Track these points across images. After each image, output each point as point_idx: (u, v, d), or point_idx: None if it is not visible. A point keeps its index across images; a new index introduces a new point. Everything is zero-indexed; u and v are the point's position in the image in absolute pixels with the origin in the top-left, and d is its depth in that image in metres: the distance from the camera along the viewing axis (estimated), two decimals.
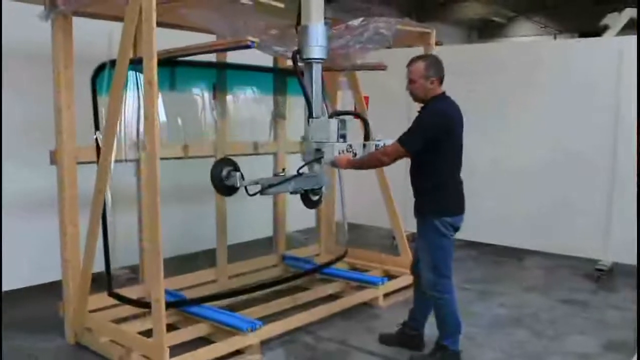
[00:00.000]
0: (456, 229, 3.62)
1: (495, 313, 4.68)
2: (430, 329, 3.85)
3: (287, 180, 3.99)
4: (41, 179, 4.15)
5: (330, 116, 3.93)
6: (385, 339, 4.04)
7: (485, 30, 23.48)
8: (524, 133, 6.09)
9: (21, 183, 4.60)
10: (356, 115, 4.36)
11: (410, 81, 3.58)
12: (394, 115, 5.25)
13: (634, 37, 5.24)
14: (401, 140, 3.49)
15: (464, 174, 3.67)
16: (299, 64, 3.85)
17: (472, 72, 6.09)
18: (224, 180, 4.09)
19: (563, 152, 5.84)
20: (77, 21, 3.77)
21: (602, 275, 5.50)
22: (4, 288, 4.47)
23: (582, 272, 5.76)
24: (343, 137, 3.78)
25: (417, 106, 3.68)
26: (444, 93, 3.59)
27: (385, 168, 5.10)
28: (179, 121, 4.61)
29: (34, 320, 4.31)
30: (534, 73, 6.00)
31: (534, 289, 5.31)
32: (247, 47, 3.42)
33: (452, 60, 3.60)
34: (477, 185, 5.81)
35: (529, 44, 12.48)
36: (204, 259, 5.29)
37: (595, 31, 7.63)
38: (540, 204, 5.98)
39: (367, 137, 4.11)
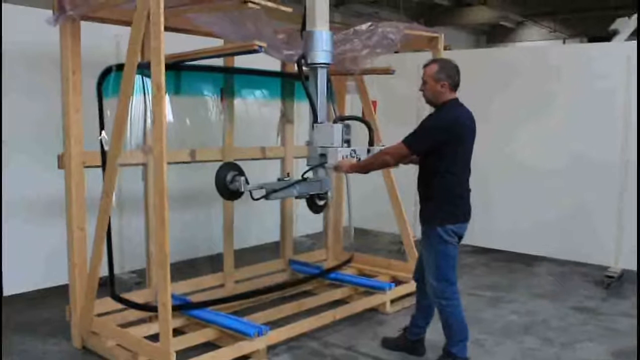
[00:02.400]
0: (459, 237, 3.58)
1: (505, 320, 4.64)
2: (435, 335, 3.82)
3: (292, 185, 3.99)
4: (54, 182, 4.13)
5: (335, 121, 3.93)
6: (386, 344, 4.04)
7: (494, 34, 23.43)
8: (535, 139, 6.04)
9: (35, 186, 4.60)
10: (361, 120, 4.37)
11: (423, 82, 3.58)
12: (402, 120, 5.23)
13: None
14: (406, 140, 3.48)
15: (474, 180, 3.63)
16: (304, 68, 3.85)
17: (481, 77, 6.06)
18: (228, 184, 4.10)
19: (574, 158, 5.79)
20: (84, 26, 3.78)
21: (612, 282, 5.44)
22: (13, 291, 4.48)
23: (592, 278, 5.70)
24: (347, 142, 3.78)
25: (429, 110, 3.68)
26: (456, 99, 3.55)
27: (394, 174, 5.10)
28: (186, 125, 4.61)
29: (41, 324, 4.32)
30: (543, 78, 5.96)
31: (544, 295, 5.26)
32: (255, 51, 3.42)
33: (460, 64, 3.59)
34: (488, 191, 5.81)
35: (538, 48, 12.43)
36: (211, 263, 5.28)
37: (604, 35, 7.57)
38: (551, 211, 5.93)
39: (371, 142, 4.10)
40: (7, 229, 4.46)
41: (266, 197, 3.99)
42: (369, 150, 3.91)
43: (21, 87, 4.48)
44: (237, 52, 3.92)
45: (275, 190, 3.99)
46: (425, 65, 3.60)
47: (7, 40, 4.31)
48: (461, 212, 3.58)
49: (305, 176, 3.97)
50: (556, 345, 4.16)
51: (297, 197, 4.27)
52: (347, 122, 3.92)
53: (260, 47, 3.38)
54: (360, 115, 5.32)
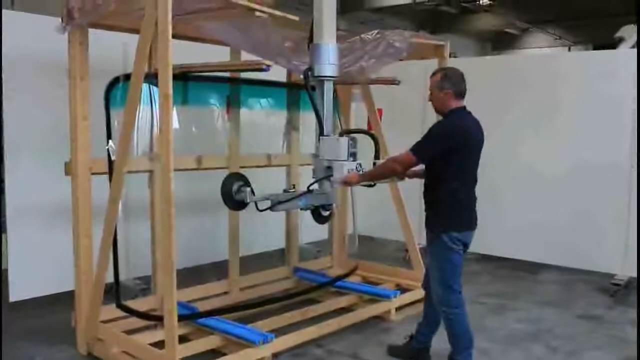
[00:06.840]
0: (465, 245, 3.58)
1: (511, 328, 4.62)
2: (441, 343, 3.81)
3: (297, 197, 4.01)
4: (61, 189, 4.13)
5: (341, 134, 3.94)
6: (392, 351, 4.03)
7: (499, 41, 23.44)
8: (541, 146, 6.03)
9: (42, 192, 4.59)
10: (368, 133, 4.38)
11: (430, 92, 3.60)
12: (408, 128, 5.23)
13: None
14: (413, 148, 3.49)
15: (480, 187, 3.63)
16: (310, 81, 3.87)
17: (487, 84, 6.07)
18: (234, 195, 4.13)
19: (580, 165, 5.79)
20: (92, 34, 3.79)
21: (618, 290, 5.42)
22: (20, 297, 4.50)
23: (598, 286, 5.68)
24: (353, 155, 3.79)
25: (435, 118, 3.69)
26: (463, 107, 3.56)
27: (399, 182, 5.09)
28: (192, 134, 4.62)
29: (47, 330, 4.32)
30: (550, 86, 5.96)
31: (549, 303, 5.24)
32: (262, 70, 3.46)
33: (466, 72, 3.60)
34: (493, 198, 5.78)
35: (544, 55, 12.44)
36: (216, 270, 5.29)
37: (609, 43, 7.57)
38: (557, 218, 5.92)
39: (377, 155, 4.11)
40: (14, 235, 4.49)
41: (271, 208, 4.02)
42: (374, 164, 3.92)
43: (29, 94, 4.49)
44: (244, 69, 3.94)
45: (280, 202, 4.03)
46: (431, 76, 3.62)
47: (15, 47, 4.34)
48: (466, 219, 3.59)
49: (310, 188, 3.99)
50: (562, 353, 4.14)
51: (302, 209, 4.28)
52: (353, 135, 3.93)
53: (267, 66, 3.43)
54: (365, 124, 5.33)
